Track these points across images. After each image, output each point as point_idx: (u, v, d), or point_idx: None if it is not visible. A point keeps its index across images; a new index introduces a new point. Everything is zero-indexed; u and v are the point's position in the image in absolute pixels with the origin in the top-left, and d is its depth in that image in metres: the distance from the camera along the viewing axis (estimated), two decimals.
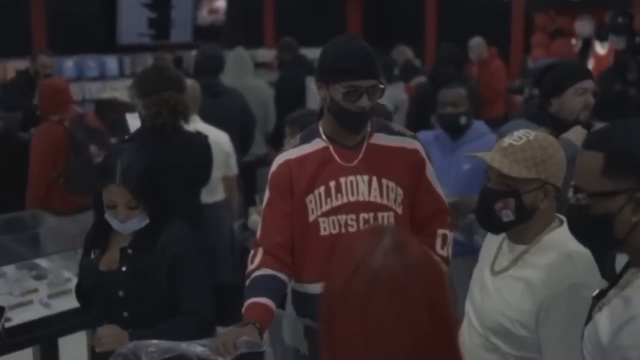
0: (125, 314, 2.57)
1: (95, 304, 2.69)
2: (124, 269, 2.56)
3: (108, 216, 2.54)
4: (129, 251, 2.57)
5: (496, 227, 2.16)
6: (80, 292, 2.73)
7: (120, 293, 2.57)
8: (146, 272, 2.55)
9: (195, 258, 2.62)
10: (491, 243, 2.28)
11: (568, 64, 3.35)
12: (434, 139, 4.00)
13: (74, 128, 4.65)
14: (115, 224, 2.54)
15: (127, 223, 2.52)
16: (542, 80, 3.15)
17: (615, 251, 1.81)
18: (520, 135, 2.12)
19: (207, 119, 4.55)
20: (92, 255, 2.64)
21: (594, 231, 1.72)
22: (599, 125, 2.98)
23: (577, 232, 1.80)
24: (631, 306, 1.65)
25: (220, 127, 4.60)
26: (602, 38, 7.75)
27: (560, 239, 2.08)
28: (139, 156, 2.54)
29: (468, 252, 3.46)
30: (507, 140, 2.13)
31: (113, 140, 4.73)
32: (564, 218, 2.10)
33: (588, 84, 3.07)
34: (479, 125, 4.08)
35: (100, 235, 2.64)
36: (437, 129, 4.14)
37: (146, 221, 2.55)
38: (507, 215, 2.10)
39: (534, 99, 5.57)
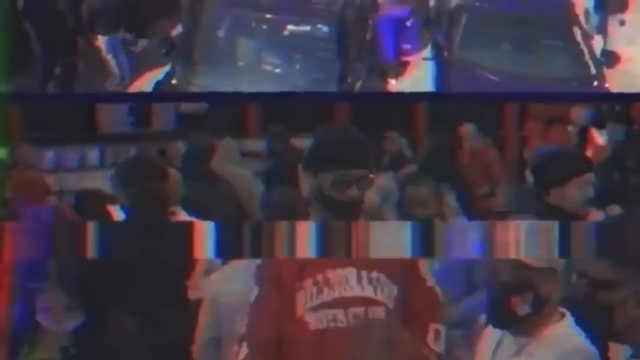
0: None
1: None
2: None
3: (41, 318, 2.49)
4: (72, 351, 2.51)
5: (509, 322, 2.09)
6: None
7: None
8: None
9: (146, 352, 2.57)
10: (488, 339, 2.20)
11: (570, 155, 3.39)
12: None
13: None
14: (49, 325, 2.49)
15: (63, 323, 2.47)
16: (542, 169, 3.12)
17: (615, 342, 1.81)
18: None
19: (204, 209, 4.49)
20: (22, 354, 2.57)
21: (595, 319, 1.73)
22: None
23: (579, 317, 1.80)
24: None
25: (217, 218, 4.53)
26: (600, 126, 7.80)
27: (565, 334, 2.01)
28: (72, 257, 2.45)
29: None
30: None
31: None
32: (565, 311, 2.06)
33: (589, 177, 3.08)
34: None
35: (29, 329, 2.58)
36: None
37: (82, 318, 2.49)
38: (523, 309, 2.04)
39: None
